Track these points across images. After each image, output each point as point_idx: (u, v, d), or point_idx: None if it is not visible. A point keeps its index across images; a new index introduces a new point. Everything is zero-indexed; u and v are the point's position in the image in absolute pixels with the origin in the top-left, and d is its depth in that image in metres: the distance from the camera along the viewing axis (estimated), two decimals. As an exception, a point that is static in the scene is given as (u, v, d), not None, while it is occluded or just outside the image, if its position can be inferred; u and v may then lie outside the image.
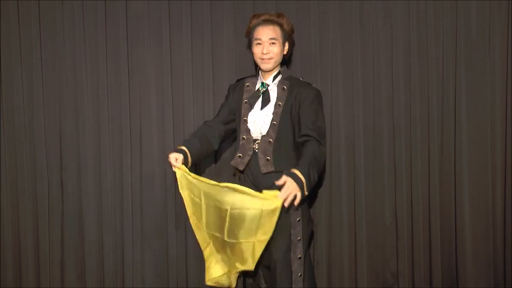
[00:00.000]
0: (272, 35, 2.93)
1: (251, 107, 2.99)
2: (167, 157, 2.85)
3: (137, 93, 3.43)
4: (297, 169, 2.69)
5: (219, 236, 2.81)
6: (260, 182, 2.97)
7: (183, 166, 2.83)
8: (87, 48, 3.39)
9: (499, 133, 3.37)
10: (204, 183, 2.79)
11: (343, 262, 3.41)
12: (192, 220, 2.90)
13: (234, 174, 3.16)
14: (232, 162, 3.03)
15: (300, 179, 2.67)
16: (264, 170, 2.93)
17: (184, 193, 2.86)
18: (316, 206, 3.39)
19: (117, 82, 3.41)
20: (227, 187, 2.72)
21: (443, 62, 3.37)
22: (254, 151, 2.97)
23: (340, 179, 3.39)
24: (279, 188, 2.64)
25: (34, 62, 3.39)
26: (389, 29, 3.38)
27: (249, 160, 2.98)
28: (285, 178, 2.64)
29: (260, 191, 2.80)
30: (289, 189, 2.64)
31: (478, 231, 3.38)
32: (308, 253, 3.02)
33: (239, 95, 3.05)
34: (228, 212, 2.70)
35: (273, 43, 2.94)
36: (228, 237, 2.76)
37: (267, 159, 2.93)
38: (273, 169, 2.92)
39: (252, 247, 2.73)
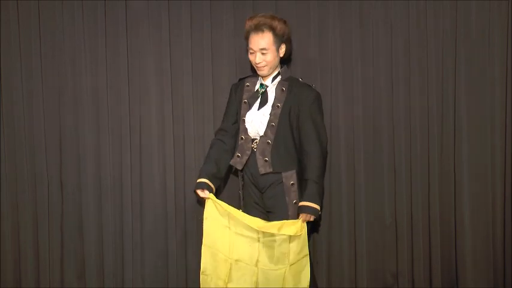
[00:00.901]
0: (262, 45, 2.93)
1: (249, 107, 3.01)
2: (194, 193, 3.03)
3: (137, 93, 3.42)
4: (307, 200, 2.89)
5: (248, 265, 2.89)
6: (258, 182, 3.00)
7: (212, 195, 2.96)
8: (87, 48, 3.39)
9: (499, 133, 3.36)
10: (232, 211, 2.91)
11: (343, 262, 3.41)
12: (208, 250, 2.94)
13: (236, 174, 3.17)
14: (231, 162, 3.06)
15: (312, 207, 2.88)
16: (262, 170, 2.96)
17: (208, 222, 2.93)
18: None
19: (117, 82, 3.40)
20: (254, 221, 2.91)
21: (443, 62, 3.37)
22: (252, 150, 2.99)
23: (340, 179, 3.39)
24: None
25: (34, 63, 3.39)
26: (389, 29, 3.38)
27: (247, 160, 3.00)
28: (300, 216, 2.89)
29: (259, 189, 2.97)
30: (306, 219, 2.90)
31: (478, 231, 3.38)
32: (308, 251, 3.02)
33: (240, 94, 3.07)
34: (260, 240, 2.87)
35: (264, 53, 2.94)
36: (264, 265, 2.88)
37: (265, 160, 2.95)
38: (271, 170, 2.95)
39: (290, 273, 2.88)
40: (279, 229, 2.86)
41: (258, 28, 2.94)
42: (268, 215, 3.01)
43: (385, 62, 3.38)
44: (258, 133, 2.99)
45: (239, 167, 3.04)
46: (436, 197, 3.39)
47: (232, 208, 2.95)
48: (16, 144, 3.41)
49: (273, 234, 2.86)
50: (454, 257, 3.41)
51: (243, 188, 3.10)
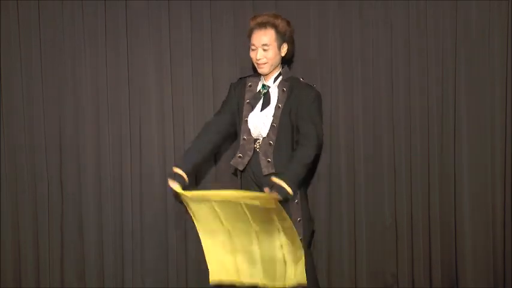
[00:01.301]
0: (264, 41, 2.95)
1: (252, 108, 3.01)
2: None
3: (137, 93, 3.42)
4: (281, 178, 2.79)
5: (244, 225, 2.87)
6: (262, 182, 3.00)
7: (178, 187, 2.91)
8: (87, 48, 3.39)
9: (499, 133, 3.36)
10: (201, 195, 2.90)
11: (343, 262, 3.41)
12: (205, 234, 2.97)
13: (235, 174, 3.17)
14: (232, 162, 3.07)
15: (281, 187, 2.77)
16: (265, 171, 2.97)
17: (191, 206, 2.93)
18: (316, 206, 3.39)
19: (117, 82, 3.40)
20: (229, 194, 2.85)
21: (443, 62, 3.37)
22: (255, 151, 3.00)
23: (340, 180, 3.39)
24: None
25: (34, 63, 3.39)
26: (389, 29, 3.38)
27: (249, 160, 3.01)
28: (265, 190, 2.81)
29: (262, 190, 2.92)
30: (272, 196, 2.76)
31: (478, 231, 3.37)
32: (310, 253, 3.02)
33: (241, 94, 3.08)
34: (243, 205, 2.79)
35: (266, 49, 2.95)
36: (257, 225, 2.85)
37: (268, 161, 2.96)
38: (273, 170, 2.95)
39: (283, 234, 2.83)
40: (252, 199, 2.79)
41: (261, 25, 2.96)
42: None
43: (385, 62, 3.38)
44: (260, 134, 3.00)
45: (240, 168, 3.05)
46: (436, 197, 3.38)
47: (200, 192, 2.93)
48: (16, 144, 3.41)
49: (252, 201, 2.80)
50: (454, 257, 3.41)
51: (241, 188, 3.10)
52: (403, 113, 3.38)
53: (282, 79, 3.03)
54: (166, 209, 3.42)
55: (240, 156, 3.03)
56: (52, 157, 3.41)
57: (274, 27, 2.97)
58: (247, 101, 3.04)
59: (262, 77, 3.06)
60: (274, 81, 3.03)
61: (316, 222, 3.38)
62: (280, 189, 2.77)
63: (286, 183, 2.78)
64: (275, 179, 2.80)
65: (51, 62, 3.40)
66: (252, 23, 3.00)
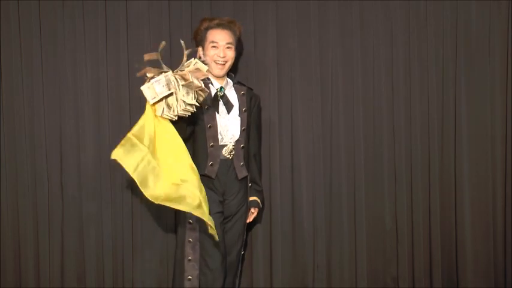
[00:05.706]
0: (229, 40, 2.94)
1: (216, 112, 2.93)
2: None
3: (138, 93, 3.41)
4: (257, 196, 3.12)
5: None
6: (231, 188, 2.96)
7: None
8: (87, 49, 3.38)
9: (499, 134, 3.37)
10: None
11: (343, 266, 3.41)
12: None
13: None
14: (206, 172, 2.91)
15: (259, 203, 3.13)
16: (240, 175, 2.98)
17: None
18: (317, 208, 3.40)
19: (118, 82, 3.40)
20: None
21: (443, 62, 3.38)
22: (224, 157, 2.94)
23: (340, 184, 3.39)
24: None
25: (34, 64, 3.38)
26: (390, 30, 3.38)
27: (218, 167, 2.93)
28: (254, 210, 3.12)
29: (224, 199, 2.98)
30: (255, 212, 3.14)
31: (478, 234, 3.38)
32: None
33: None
34: None
35: (229, 47, 2.94)
36: None
37: (241, 165, 2.97)
38: (247, 173, 3.00)
39: None
40: None
41: (221, 25, 2.97)
42: (228, 219, 3.01)
43: (385, 62, 3.39)
44: (231, 138, 2.95)
45: (213, 176, 2.92)
46: (436, 200, 3.38)
47: None
48: (16, 145, 3.40)
49: None
50: (454, 260, 3.41)
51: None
52: (403, 115, 3.39)
53: (234, 83, 3.03)
54: (166, 210, 3.41)
55: (211, 165, 2.91)
56: (52, 158, 3.40)
57: (233, 31, 2.99)
58: (206, 107, 2.90)
59: (214, 80, 2.96)
60: (227, 84, 3.00)
61: (316, 224, 3.38)
62: (256, 203, 3.12)
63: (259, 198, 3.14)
64: (254, 199, 3.09)
65: (51, 62, 3.39)
66: (208, 23, 2.97)
